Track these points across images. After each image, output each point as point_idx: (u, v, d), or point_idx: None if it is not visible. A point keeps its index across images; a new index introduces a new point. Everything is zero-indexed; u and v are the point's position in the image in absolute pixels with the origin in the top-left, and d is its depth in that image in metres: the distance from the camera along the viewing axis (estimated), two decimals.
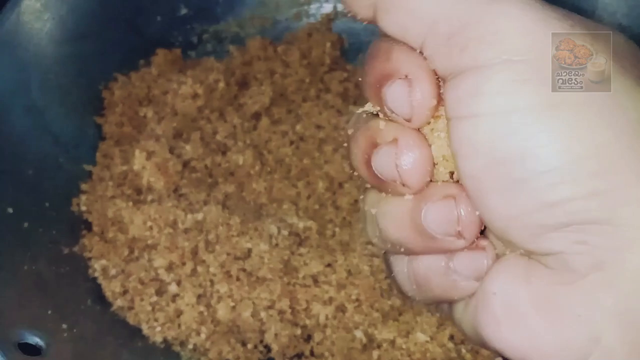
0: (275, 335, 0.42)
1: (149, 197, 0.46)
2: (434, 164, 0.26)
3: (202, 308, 0.42)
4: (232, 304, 0.42)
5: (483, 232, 0.27)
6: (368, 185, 0.28)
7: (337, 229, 0.46)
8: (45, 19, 0.49)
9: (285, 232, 0.45)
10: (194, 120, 0.51)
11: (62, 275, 0.43)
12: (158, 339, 0.42)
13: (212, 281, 0.43)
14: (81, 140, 0.50)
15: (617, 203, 0.22)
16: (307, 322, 0.42)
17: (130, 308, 0.43)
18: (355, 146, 0.27)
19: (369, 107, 0.27)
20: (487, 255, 0.26)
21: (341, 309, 0.42)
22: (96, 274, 0.44)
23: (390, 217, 0.27)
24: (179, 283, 0.43)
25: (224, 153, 0.49)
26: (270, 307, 0.42)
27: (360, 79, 0.29)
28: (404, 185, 0.25)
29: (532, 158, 0.22)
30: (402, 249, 0.27)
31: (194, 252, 0.43)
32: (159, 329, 0.42)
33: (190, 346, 0.42)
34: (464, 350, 0.40)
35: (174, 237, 0.44)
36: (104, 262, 0.44)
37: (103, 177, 0.48)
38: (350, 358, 0.41)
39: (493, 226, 0.25)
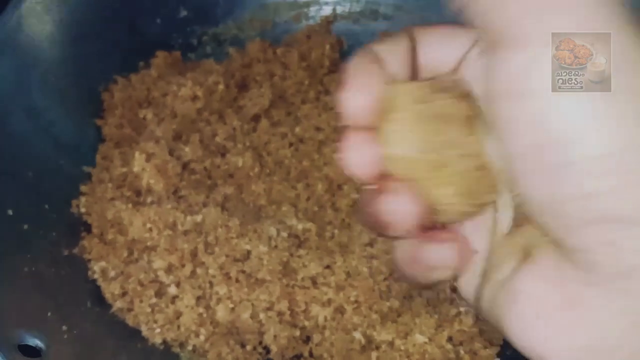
0: (274, 336, 0.42)
1: (149, 199, 0.46)
2: None
3: (201, 309, 0.42)
4: (231, 305, 0.42)
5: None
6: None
7: (336, 231, 0.46)
8: (46, 21, 0.49)
9: (284, 234, 0.45)
10: (194, 122, 0.51)
11: (62, 276, 0.43)
12: (157, 340, 0.42)
13: (211, 283, 0.43)
14: (81, 142, 0.50)
15: None
16: (306, 323, 0.42)
17: (130, 310, 0.43)
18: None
19: None
20: (450, 247, 0.27)
21: (340, 310, 0.42)
22: (96, 276, 0.44)
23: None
24: (178, 285, 0.43)
25: (223, 155, 0.49)
26: (269, 309, 0.42)
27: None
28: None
29: (578, 142, 0.21)
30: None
31: (194, 254, 0.43)
32: (158, 330, 0.42)
33: (190, 347, 0.42)
34: (462, 352, 0.40)
35: (173, 239, 0.44)
36: (103, 263, 0.44)
37: (103, 179, 0.48)
38: (349, 359, 0.41)
39: (531, 209, 0.24)
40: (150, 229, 0.44)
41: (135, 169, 0.46)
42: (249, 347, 0.42)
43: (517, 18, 0.22)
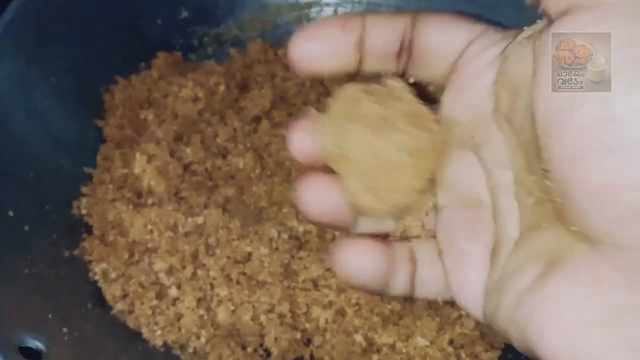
0: (275, 339, 0.42)
1: (150, 201, 0.46)
2: None
3: (202, 312, 0.42)
4: (232, 307, 0.42)
5: None
6: None
7: (337, 233, 0.46)
8: (46, 21, 0.49)
9: (285, 236, 0.45)
10: (195, 123, 0.51)
11: (63, 278, 0.43)
12: (158, 342, 0.42)
13: (212, 285, 0.43)
14: (82, 143, 0.50)
15: None
16: (307, 325, 0.42)
17: (131, 311, 0.43)
18: None
19: None
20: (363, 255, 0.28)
21: (341, 312, 0.42)
22: (96, 277, 0.44)
23: None
24: (179, 286, 0.43)
25: (224, 156, 0.49)
26: (270, 311, 0.42)
27: None
28: None
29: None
30: None
31: (194, 256, 0.43)
32: (159, 332, 0.42)
33: (190, 350, 0.42)
34: (463, 355, 0.40)
35: (174, 241, 0.44)
36: (104, 265, 0.44)
37: (103, 180, 0.48)
38: None
39: (571, 202, 0.22)
40: (151, 231, 0.44)
41: (136, 170, 0.46)
42: (249, 349, 0.42)
43: None
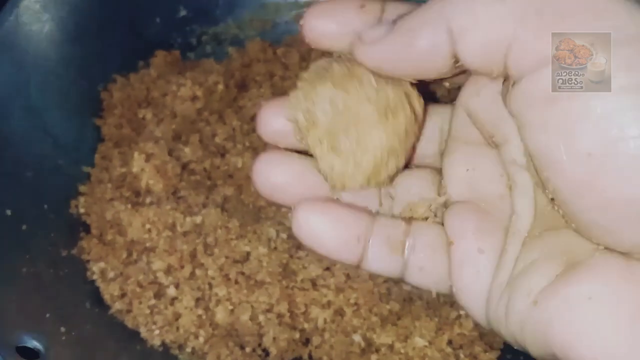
0: (274, 338, 0.42)
1: (148, 200, 0.46)
2: None
3: (200, 311, 0.42)
4: (231, 307, 0.42)
5: None
6: None
7: None
8: (44, 20, 0.48)
9: (284, 235, 0.45)
10: (193, 122, 0.51)
11: (61, 277, 0.43)
12: (156, 342, 0.42)
13: (210, 284, 0.43)
14: (80, 142, 0.50)
15: None
16: (306, 325, 0.42)
17: (129, 311, 0.43)
18: None
19: None
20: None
21: (340, 312, 0.42)
22: (95, 277, 0.44)
23: None
24: (177, 286, 0.43)
25: (223, 155, 0.49)
26: (268, 311, 0.42)
27: None
28: None
29: None
30: None
31: (193, 255, 0.43)
32: (157, 332, 0.42)
33: (189, 349, 0.42)
34: (462, 355, 0.40)
35: (172, 240, 0.44)
36: (102, 264, 0.44)
37: (102, 179, 0.48)
38: None
39: (599, 216, 0.22)
40: (150, 230, 0.44)
41: (135, 169, 0.46)
42: (248, 349, 0.42)
43: None
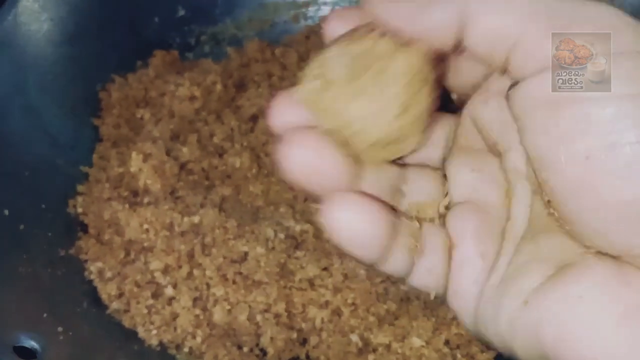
0: (271, 338, 0.42)
1: (146, 200, 0.46)
2: None
3: (198, 311, 0.42)
4: (228, 307, 0.42)
5: None
6: None
7: None
8: (43, 20, 0.48)
9: (281, 235, 0.45)
10: (191, 122, 0.51)
11: (58, 277, 0.43)
12: (154, 342, 0.42)
13: (208, 284, 0.43)
14: (78, 141, 0.50)
15: None
16: (303, 325, 0.42)
17: (126, 311, 0.43)
18: None
19: None
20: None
21: (337, 312, 0.42)
22: (92, 277, 0.44)
23: None
24: (175, 286, 0.43)
25: (221, 155, 0.49)
26: (266, 311, 0.42)
27: None
28: None
29: None
30: None
31: (190, 255, 0.43)
32: (154, 332, 0.42)
33: (186, 349, 0.42)
34: (459, 355, 0.40)
35: (170, 240, 0.44)
36: (100, 264, 0.44)
37: (99, 179, 0.48)
38: None
39: (594, 217, 0.22)
40: (147, 230, 0.44)
41: (133, 169, 0.46)
42: (245, 349, 0.42)
43: None
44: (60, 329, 0.40)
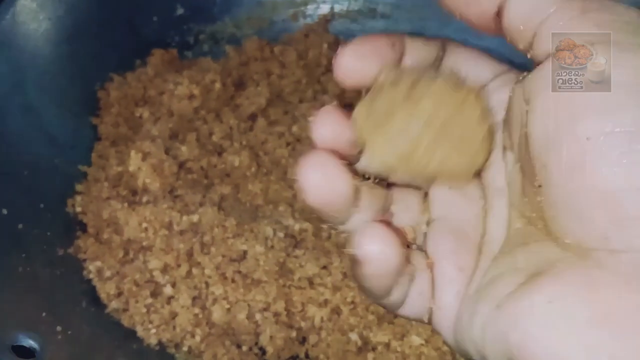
0: (270, 337, 0.42)
1: (144, 199, 0.46)
2: None
3: (197, 310, 0.42)
4: (227, 306, 0.42)
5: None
6: None
7: (332, 231, 0.46)
8: (41, 19, 0.48)
9: (281, 234, 0.45)
10: (190, 121, 0.50)
11: (57, 276, 0.43)
12: (153, 341, 0.42)
13: (207, 283, 0.43)
14: (77, 140, 0.50)
15: None
16: (302, 324, 0.42)
17: (125, 310, 0.43)
18: None
19: None
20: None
21: (336, 311, 0.42)
22: (91, 276, 0.44)
23: None
24: (173, 285, 0.43)
25: (220, 154, 0.49)
26: (265, 309, 0.42)
27: None
28: None
29: None
30: None
31: (189, 254, 0.43)
32: (153, 331, 0.42)
33: (185, 348, 0.42)
34: (458, 354, 0.40)
35: (169, 239, 0.43)
36: (98, 263, 0.44)
37: (98, 178, 0.48)
38: None
39: (573, 209, 0.22)
40: (146, 229, 0.44)
41: (131, 168, 0.46)
42: (244, 348, 0.42)
43: None
44: (59, 328, 0.40)
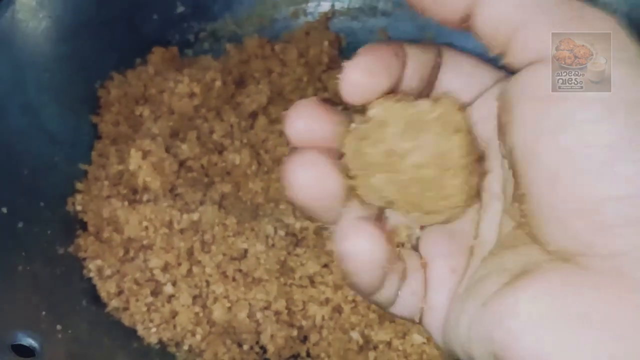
0: (271, 336, 0.42)
1: (145, 197, 0.46)
2: None
3: (197, 309, 0.42)
4: (228, 304, 0.42)
5: None
6: None
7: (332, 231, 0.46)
8: (41, 17, 0.48)
9: (281, 232, 0.44)
10: (191, 119, 0.50)
11: (57, 275, 0.43)
12: (153, 340, 0.42)
13: (207, 282, 0.43)
14: (77, 139, 0.50)
15: None
16: (304, 323, 0.42)
17: (126, 309, 0.43)
18: None
19: None
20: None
21: (337, 309, 0.42)
22: (91, 275, 0.44)
23: None
24: (174, 284, 0.43)
25: (220, 152, 0.49)
26: (266, 308, 0.42)
27: None
28: None
29: None
30: None
31: (190, 253, 0.43)
32: (154, 329, 0.42)
33: (186, 347, 0.42)
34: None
35: (169, 238, 0.43)
36: (99, 262, 0.44)
37: (99, 177, 0.48)
38: (347, 359, 0.41)
39: (556, 218, 0.23)
40: (147, 227, 0.44)
41: (132, 166, 0.46)
42: (245, 347, 0.42)
43: None
44: (58, 327, 0.40)
